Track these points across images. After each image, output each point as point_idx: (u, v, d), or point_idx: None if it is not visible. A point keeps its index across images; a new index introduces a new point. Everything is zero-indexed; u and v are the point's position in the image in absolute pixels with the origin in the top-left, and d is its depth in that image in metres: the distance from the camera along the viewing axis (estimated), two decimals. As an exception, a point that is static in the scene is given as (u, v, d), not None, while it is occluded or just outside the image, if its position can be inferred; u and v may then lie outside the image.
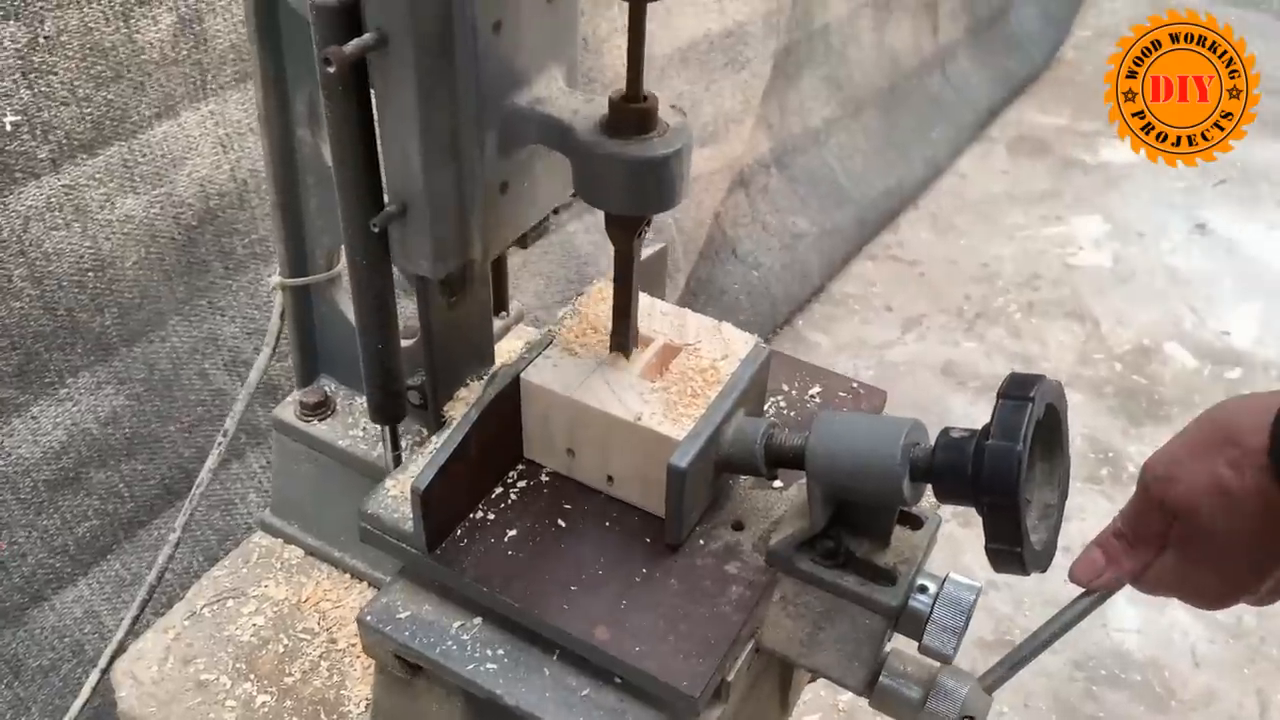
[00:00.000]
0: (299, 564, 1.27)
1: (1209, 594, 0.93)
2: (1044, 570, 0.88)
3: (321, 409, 1.21)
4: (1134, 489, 0.94)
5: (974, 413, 2.72)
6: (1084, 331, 3.10)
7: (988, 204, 3.66)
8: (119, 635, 1.19)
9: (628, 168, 0.83)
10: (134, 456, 1.61)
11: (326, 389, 1.23)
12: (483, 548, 0.91)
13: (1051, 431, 0.88)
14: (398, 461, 1.09)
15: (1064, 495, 0.92)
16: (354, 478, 1.17)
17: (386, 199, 0.89)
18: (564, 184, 0.95)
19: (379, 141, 0.86)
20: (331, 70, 0.79)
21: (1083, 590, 0.97)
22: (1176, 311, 3.19)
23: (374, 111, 0.85)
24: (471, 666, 0.86)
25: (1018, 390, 0.83)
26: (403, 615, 0.90)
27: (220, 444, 1.23)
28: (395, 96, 0.82)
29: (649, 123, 0.84)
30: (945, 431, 0.86)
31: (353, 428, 1.20)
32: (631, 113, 0.84)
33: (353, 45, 0.78)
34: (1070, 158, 3.89)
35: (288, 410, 1.23)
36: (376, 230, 0.87)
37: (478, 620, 0.90)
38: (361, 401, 1.21)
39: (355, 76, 0.82)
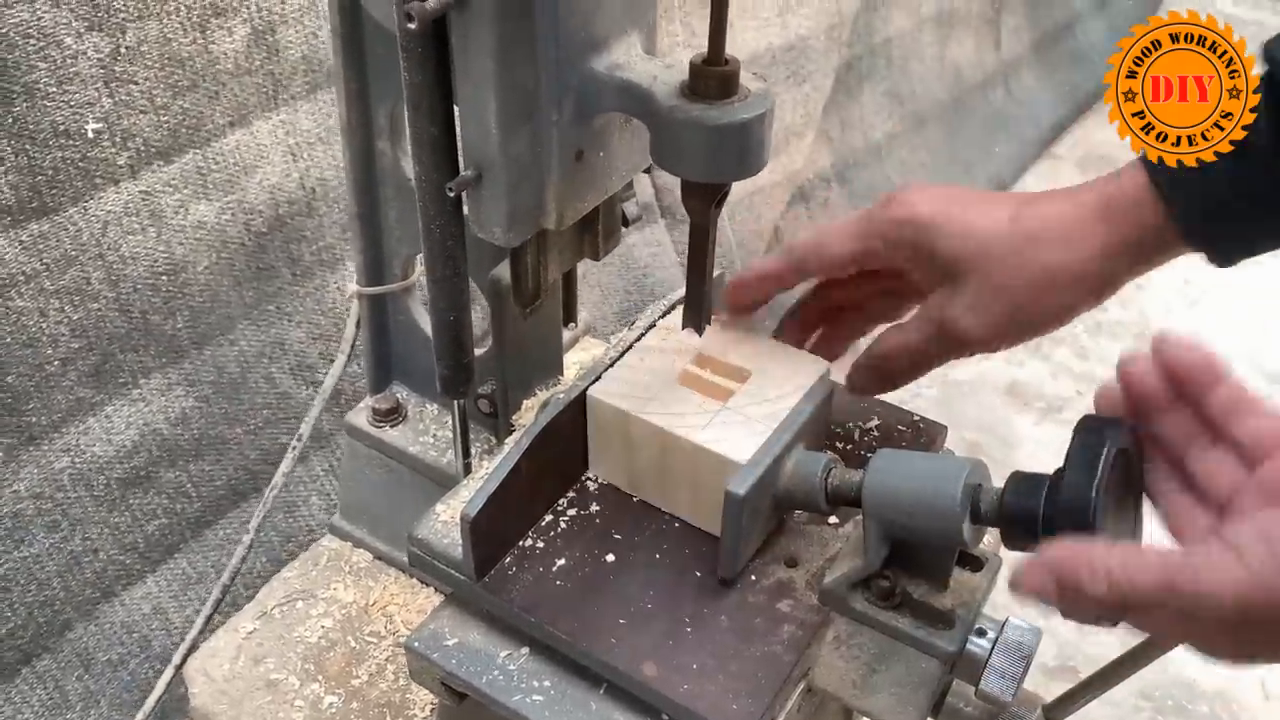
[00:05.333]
0: (367, 568, 1.27)
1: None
2: (1115, 625, 0.84)
3: (393, 415, 1.22)
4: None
5: (1039, 434, 2.64)
6: (1152, 354, 3.00)
7: (1055, 221, 3.55)
8: (192, 634, 1.20)
9: (708, 133, 0.79)
10: (202, 457, 1.63)
11: (399, 396, 1.23)
12: (531, 577, 0.89)
13: (1129, 476, 0.84)
14: (468, 470, 1.09)
15: (1139, 542, 0.87)
16: (423, 484, 1.18)
17: (462, 165, 0.87)
18: (639, 155, 0.92)
19: (456, 105, 0.84)
20: (412, 26, 0.77)
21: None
22: (1249, 335, 3.07)
23: (452, 75, 0.83)
24: (518, 697, 0.84)
25: (1092, 435, 0.78)
26: (450, 642, 0.88)
27: (295, 448, 1.24)
28: (474, 54, 0.79)
29: (731, 87, 0.80)
30: (1014, 475, 0.82)
31: (423, 434, 1.21)
32: (713, 76, 0.80)
33: (435, 1, 0.76)
34: (1139, 174, 3.77)
35: (360, 416, 1.23)
36: (452, 195, 0.85)
37: (525, 650, 0.88)
38: (433, 409, 1.22)
39: (435, 35, 0.79)
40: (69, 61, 1.31)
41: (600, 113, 0.87)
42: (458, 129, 0.86)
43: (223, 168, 1.54)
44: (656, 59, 0.87)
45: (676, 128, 0.80)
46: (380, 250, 1.15)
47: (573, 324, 1.27)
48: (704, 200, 0.87)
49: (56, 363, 1.43)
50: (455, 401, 1.05)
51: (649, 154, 0.87)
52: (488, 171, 0.84)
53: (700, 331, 0.95)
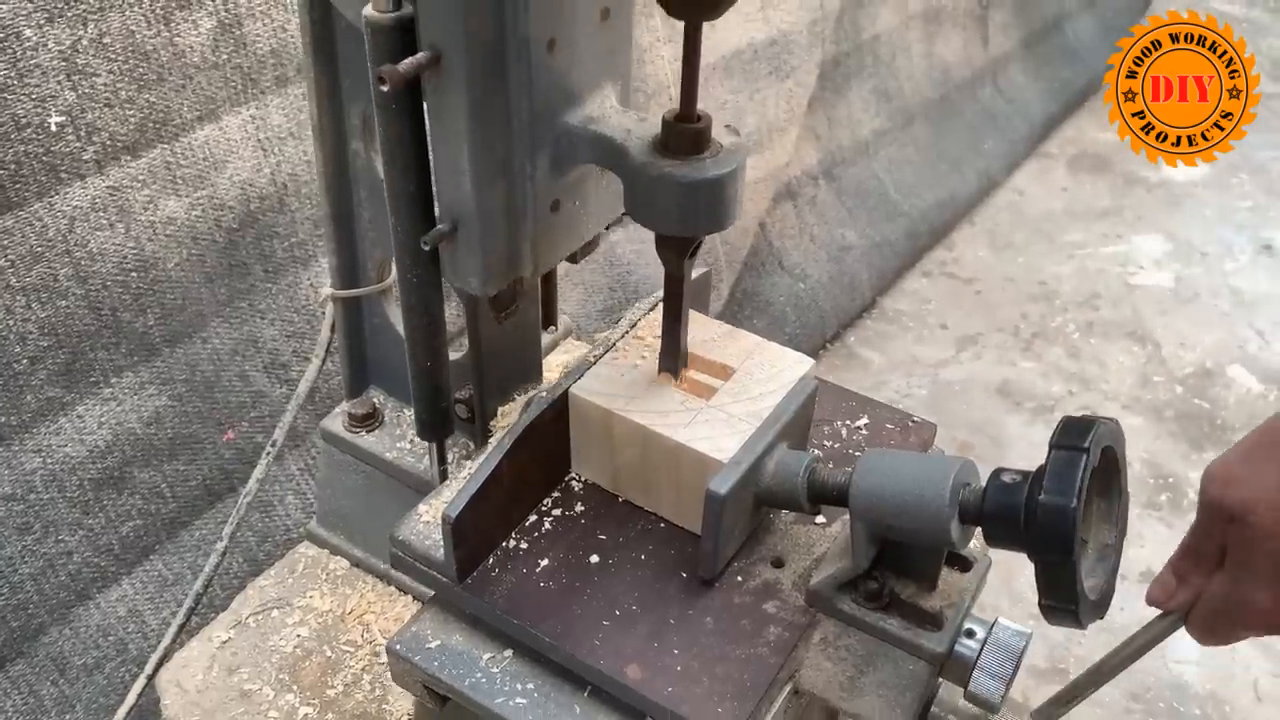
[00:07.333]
0: (344, 575, 1.28)
1: (1261, 613, 0.84)
2: (1101, 619, 0.85)
3: (370, 420, 1.22)
4: (1194, 517, 0.89)
5: (1031, 434, 2.67)
6: (1144, 353, 3.03)
7: (1046, 221, 3.59)
8: (165, 643, 1.20)
9: (680, 188, 0.82)
10: (176, 457, 1.63)
11: (375, 400, 1.23)
12: (514, 578, 0.89)
13: (1109, 472, 0.85)
14: (444, 476, 1.10)
15: (1123, 533, 0.89)
16: (401, 490, 1.18)
17: (438, 216, 0.88)
18: (616, 202, 0.94)
19: (431, 159, 0.86)
20: (386, 89, 0.79)
21: (1143, 625, 0.93)
22: (1241, 334, 3.10)
23: (427, 129, 0.85)
24: (501, 700, 0.85)
25: (1071, 439, 0.79)
26: (432, 645, 0.89)
27: (269, 453, 1.24)
28: (448, 114, 0.82)
29: (702, 143, 0.83)
30: (996, 474, 0.83)
31: (400, 439, 1.21)
32: (685, 133, 0.83)
33: (407, 64, 0.78)
34: (1132, 175, 3.81)
35: (336, 422, 1.23)
36: (427, 248, 0.87)
37: (508, 652, 0.89)
38: (410, 413, 1.22)
39: (409, 94, 0.81)
40: (29, 53, 1.30)
41: (575, 165, 0.89)
42: (433, 181, 0.87)
43: (192, 163, 1.54)
44: (630, 111, 0.89)
45: (650, 183, 0.83)
46: (354, 252, 1.14)
47: (553, 327, 1.27)
48: (678, 252, 0.90)
49: (25, 361, 1.42)
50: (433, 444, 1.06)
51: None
52: (463, 225, 0.86)
53: (676, 375, 0.97)
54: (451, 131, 0.82)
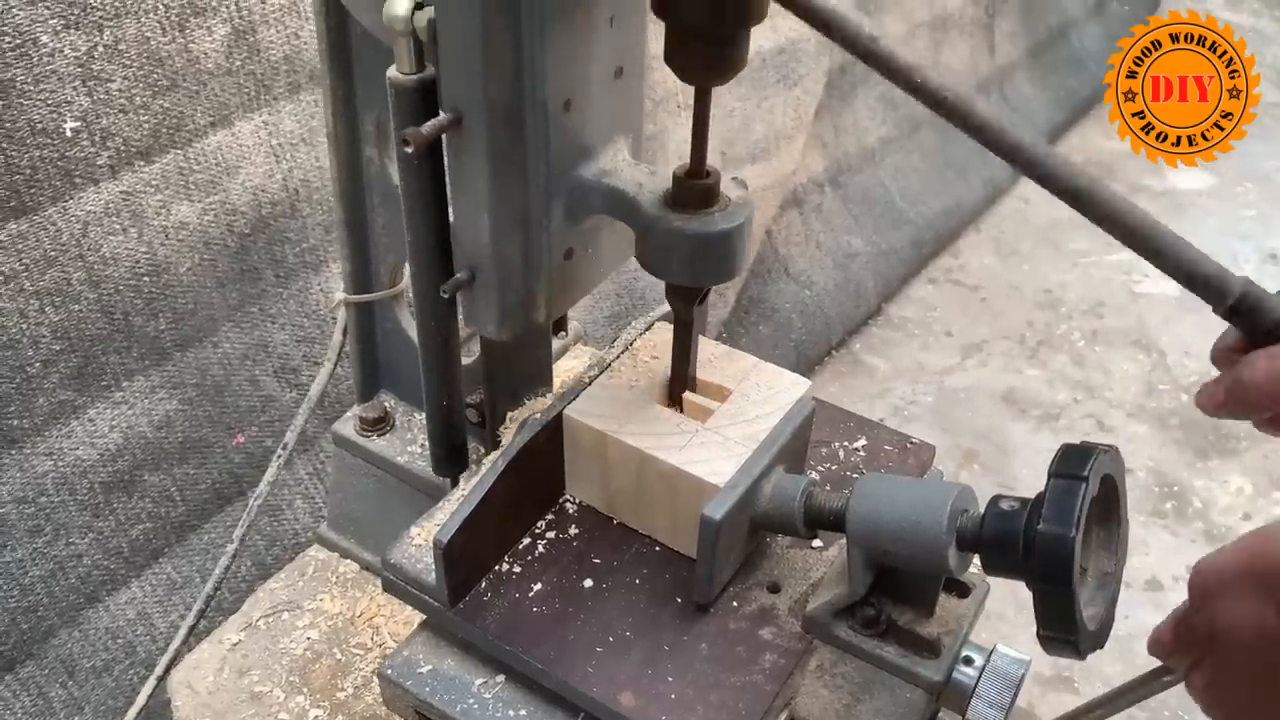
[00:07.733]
0: (354, 578, 1.26)
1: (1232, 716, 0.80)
2: (1101, 648, 0.82)
3: (381, 424, 1.21)
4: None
5: (1036, 441, 2.63)
6: (1150, 361, 2.98)
7: (1051, 229, 3.54)
8: (175, 644, 1.19)
9: (690, 242, 0.83)
10: (186, 461, 1.62)
11: (386, 404, 1.22)
12: (507, 603, 0.86)
13: (1108, 500, 0.82)
14: (455, 483, 1.07)
15: (1122, 560, 0.86)
16: (411, 494, 1.16)
17: (456, 264, 0.89)
18: (626, 247, 0.94)
19: (450, 210, 0.86)
20: (410, 150, 0.79)
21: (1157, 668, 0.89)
22: (1245, 343, 3.06)
23: (446, 181, 0.85)
24: (492, 726, 0.82)
25: (1070, 468, 0.76)
26: (424, 670, 0.86)
27: (280, 457, 1.22)
28: (468, 171, 0.82)
29: (711, 198, 0.84)
30: (994, 501, 0.80)
31: (411, 444, 1.19)
32: (695, 189, 0.83)
33: (429, 126, 0.78)
34: (1137, 183, 3.75)
35: (347, 425, 1.22)
36: (446, 296, 0.88)
37: (500, 678, 0.86)
38: (420, 418, 1.20)
39: (430, 151, 0.82)
40: (46, 59, 1.29)
41: (589, 215, 0.89)
42: (452, 231, 0.87)
43: (205, 168, 1.52)
44: (642, 165, 0.90)
45: (660, 236, 0.83)
46: (367, 258, 1.13)
47: (563, 333, 1.25)
48: (687, 300, 0.90)
49: (38, 364, 1.41)
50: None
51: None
52: (481, 273, 0.87)
53: (681, 408, 0.95)
54: (471, 187, 0.82)
